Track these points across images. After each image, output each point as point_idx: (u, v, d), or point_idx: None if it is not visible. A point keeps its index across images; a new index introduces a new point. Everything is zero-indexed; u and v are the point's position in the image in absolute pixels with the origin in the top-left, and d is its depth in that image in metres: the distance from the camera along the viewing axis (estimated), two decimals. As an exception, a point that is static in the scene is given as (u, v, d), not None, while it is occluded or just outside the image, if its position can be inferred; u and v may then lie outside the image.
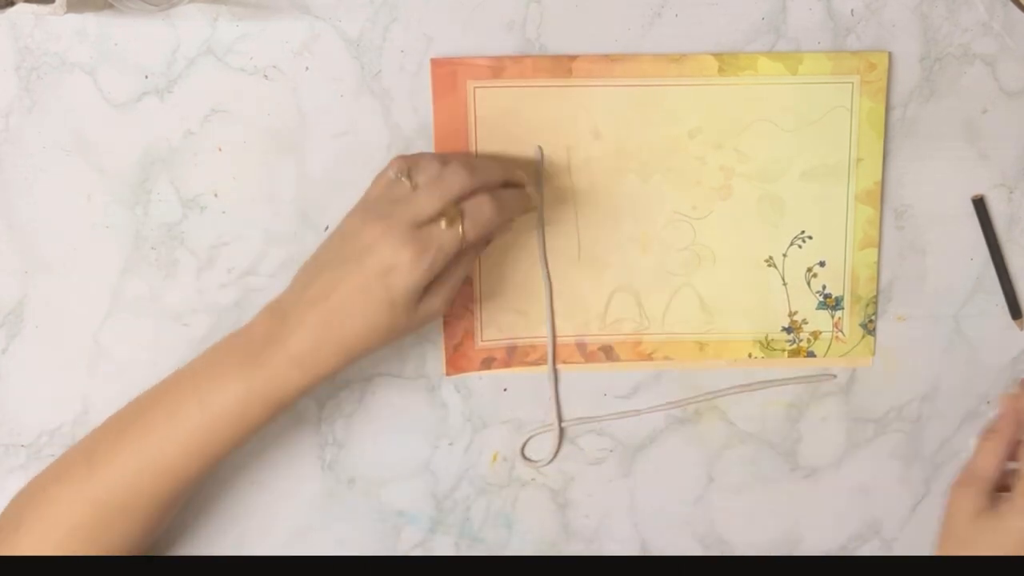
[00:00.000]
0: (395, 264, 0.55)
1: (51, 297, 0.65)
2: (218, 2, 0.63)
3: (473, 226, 0.57)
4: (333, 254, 0.58)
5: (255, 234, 0.65)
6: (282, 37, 0.63)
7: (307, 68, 0.64)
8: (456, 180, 0.57)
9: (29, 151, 0.63)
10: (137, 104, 0.63)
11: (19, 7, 0.56)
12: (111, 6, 0.60)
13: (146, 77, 0.63)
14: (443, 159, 0.59)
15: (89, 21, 0.62)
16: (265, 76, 0.64)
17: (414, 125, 0.65)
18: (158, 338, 0.66)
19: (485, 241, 0.62)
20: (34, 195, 0.64)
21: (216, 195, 0.65)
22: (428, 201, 0.57)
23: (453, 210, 0.57)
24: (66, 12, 0.57)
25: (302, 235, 0.65)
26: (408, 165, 0.58)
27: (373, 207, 0.58)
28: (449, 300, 0.60)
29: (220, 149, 0.64)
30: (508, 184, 0.62)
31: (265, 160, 0.65)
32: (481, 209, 0.58)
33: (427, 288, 0.58)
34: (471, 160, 0.60)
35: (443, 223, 0.56)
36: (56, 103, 0.63)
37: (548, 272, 0.67)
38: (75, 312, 0.65)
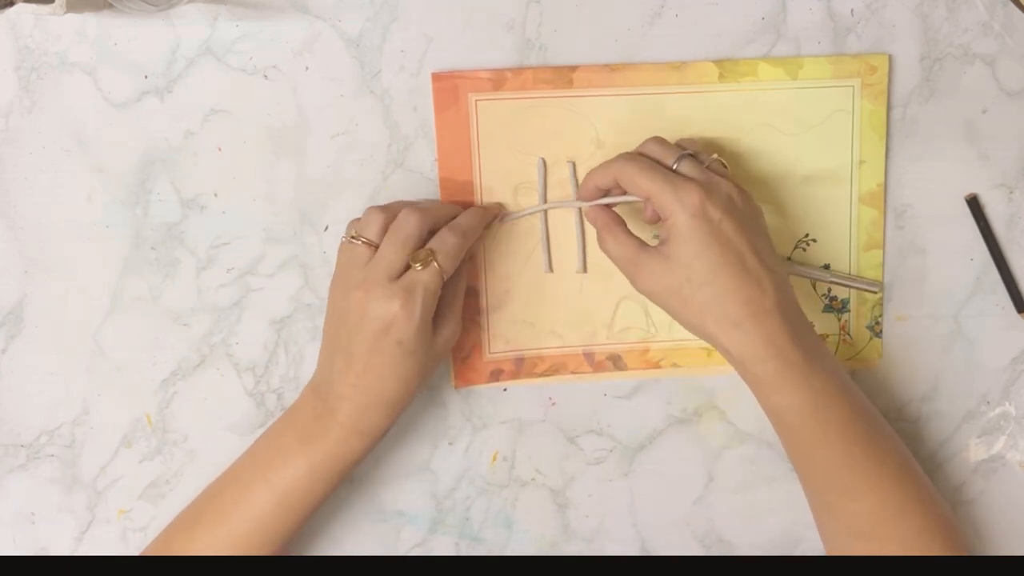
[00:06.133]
0: (391, 319, 0.57)
1: (51, 297, 0.65)
2: (218, 2, 0.63)
3: (446, 258, 0.59)
4: (336, 331, 0.60)
5: (255, 234, 0.65)
6: (282, 37, 0.63)
7: (307, 68, 0.64)
8: (412, 225, 0.59)
9: (29, 151, 0.63)
10: (137, 104, 0.63)
11: (19, 7, 0.56)
12: (111, 6, 0.60)
13: (146, 77, 0.63)
14: (385, 208, 0.60)
15: (89, 21, 0.62)
16: (265, 76, 0.64)
17: (414, 124, 0.65)
18: (158, 338, 0.66)
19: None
20: (34, 195, 0.64)
21: (216, 195, 0.65)
22: (393, 253, 0.58)
23: (423, 253, 0.58)
24: (66, 12, 0.57)
25: (302, 235, 0.65)
26: (355, 228, 0.60)
27: (346, 278, 0.60)
28: (459, 319, 0.62)
29: (220, 149, 0.64)
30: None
31: (265, 160, 0.64)
32: (446, 241, 0.60)
33: (434, 320, 0.60)
34: (415, 203, 0.62)
35: (418, 267, 0.58)
36: (56, 103, 0.63)
37: (551, 262, 0.66)
38: (75, 312, 0.65)
